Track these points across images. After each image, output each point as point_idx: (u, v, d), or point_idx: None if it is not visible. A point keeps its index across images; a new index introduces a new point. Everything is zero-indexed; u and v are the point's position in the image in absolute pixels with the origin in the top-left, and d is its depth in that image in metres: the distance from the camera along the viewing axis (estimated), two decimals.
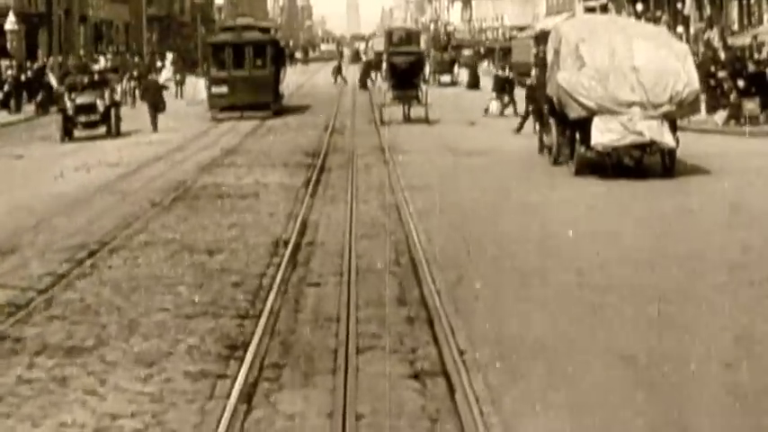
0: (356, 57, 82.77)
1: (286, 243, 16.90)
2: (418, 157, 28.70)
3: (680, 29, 59.68)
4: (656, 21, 63.52)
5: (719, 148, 27.55)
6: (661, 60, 22.58)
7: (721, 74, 35.38)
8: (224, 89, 41.44)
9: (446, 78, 60.56)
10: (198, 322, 12.25)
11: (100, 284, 14.30)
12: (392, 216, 19.20)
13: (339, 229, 18.13)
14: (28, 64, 54.32)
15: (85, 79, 37.67)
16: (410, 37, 69.86)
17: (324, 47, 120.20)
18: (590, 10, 73.98)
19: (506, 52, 64.84)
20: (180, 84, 55.75)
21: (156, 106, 38.99)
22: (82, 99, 35.48)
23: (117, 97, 39.84)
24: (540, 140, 27.34)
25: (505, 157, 28.26)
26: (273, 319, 12.25)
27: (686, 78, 22.43)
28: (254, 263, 15.54)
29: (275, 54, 43.38)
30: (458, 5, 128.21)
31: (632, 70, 22.33)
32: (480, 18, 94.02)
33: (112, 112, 36.09)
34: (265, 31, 46.68)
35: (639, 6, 65.11)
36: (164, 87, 42.89)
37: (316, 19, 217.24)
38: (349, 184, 23.85)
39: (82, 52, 70.12)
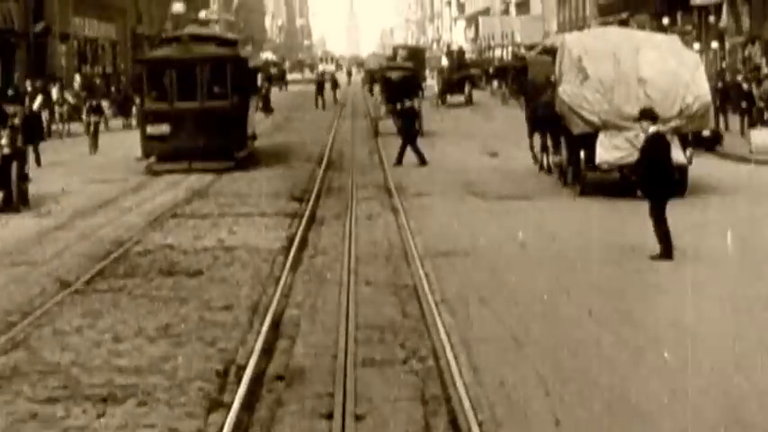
0: (349, 75, 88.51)
1: (239, 378, 9.94)
2: (435, 203, 21.88)
3: (714, 44, 53.05)
4: (684, 35, 57.21)
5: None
6: (670, 71, 21.17)
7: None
8: (164, 129, 28.40)
9: (456, 99, 54.99)
10: None
11: None
12: (411, 313, 12.35)
13: (328, 341, 11.25)
14: None
15: None
16: (416, 54, 69.81)
17: (322, 67, 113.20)
18: (606, 25, 67.52)
19: (520, 71, 57.96)
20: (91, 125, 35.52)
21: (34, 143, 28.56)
22: None
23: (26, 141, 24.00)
24: (541, 159, 26.09)
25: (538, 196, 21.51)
26: None
27: (696, 90, 21.08)
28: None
29: (240, 77, 29.77)
30: (461, 24, 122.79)
31: (639, 82, 21.00)
32: (487, 36, 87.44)
33: (14, 168, 21.56)
34: (226, 43, 31.41)
35: (666, 20, 58.34)
36: (33, 116, 31.00)
37: (315, 39, 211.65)
38: (346, 246, 17.04)
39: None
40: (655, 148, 15.35)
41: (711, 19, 54.27)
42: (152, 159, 28.69)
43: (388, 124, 37.10)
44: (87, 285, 14.19)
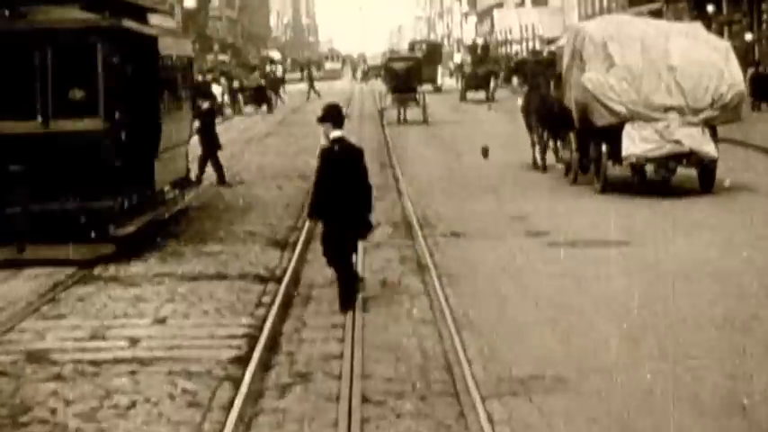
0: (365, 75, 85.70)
1: None
2: (479, 251, 14.38)
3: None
4: (730, 25, 49.69)
5: None
6: (702, 59, 19.56)
7: None
8: None
9: (478, 95, 50.52)
10: None
11: None
12: None
13: None
14: None
15: None
16: (434, 49, 65.69)
17: (329, 65, 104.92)
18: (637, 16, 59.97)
19: (548, 65, 50.71)
20: None
21: None
22: None
23: None
24: (542, 158, 23.64)
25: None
26: None
27: (730, 79, 19.45)
28: None
29: (141, 71, 16.33)
30: (471, 20, 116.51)
31: (669, 70, 19.33)
32: (504, 30, 79.95)
33: None
34: (104, 5, 15.33)
35: (710, 8, 50.66)
36: None
37: (323, 38, 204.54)
38: (345, 368, 9.41)
39: None
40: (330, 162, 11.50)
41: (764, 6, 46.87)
42: None
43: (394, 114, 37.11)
44: None
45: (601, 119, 19.58)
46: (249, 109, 47.51)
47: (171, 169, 18.05)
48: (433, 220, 17.40)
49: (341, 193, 11.25)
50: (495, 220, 17.33)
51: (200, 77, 43.03)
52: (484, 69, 51.80)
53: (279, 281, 12.83)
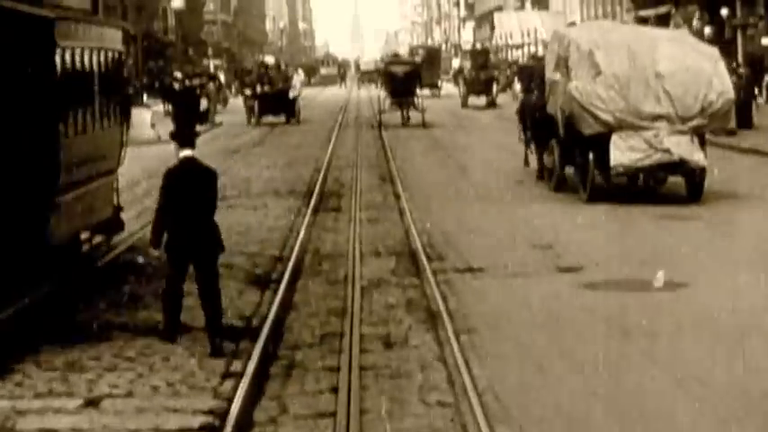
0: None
1: None
2: (500, 293, 11.71)
3: None
4: (745, 29, 47.07)
5: None
6: (690, 66, 18.91)
7: None
8: None
9: (479, 101, 49.08)
10: None
11: None
12: None
13: None
14: None
15: None
16: (433, 55, 65.35)
17: (324, 71, 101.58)
18: (642, 21, 57.60)
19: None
20: None
21: None
22: None
23: None
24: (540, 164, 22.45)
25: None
26: None
27: (719, 86, 18.81)
28: None
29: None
30: (469, 25, 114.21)
31: (657, 77, 18.66)
32: (504, 35, 77.21)
33: None
34: None
35: (724, 12, 48.06)
36: None
37: (319, 43, 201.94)
38: None
39: None
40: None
41: None
42: None
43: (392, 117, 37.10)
44: None
45: (588, 128, 18.94)
46: (270, 118, 40.52)
47: (83, 212, 12.52)
48: (442, 247, 14.77)
49: (186, 222, 9.54)
50: (511, 243, 14.73)
51: (180, 82, 40.30)
52: (486, 74, 50.30)
53: (255, 336, 10.11)
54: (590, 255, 13.87)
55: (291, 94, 40.34)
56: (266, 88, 40.17)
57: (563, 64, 19.90)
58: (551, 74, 20.58)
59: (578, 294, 11.82)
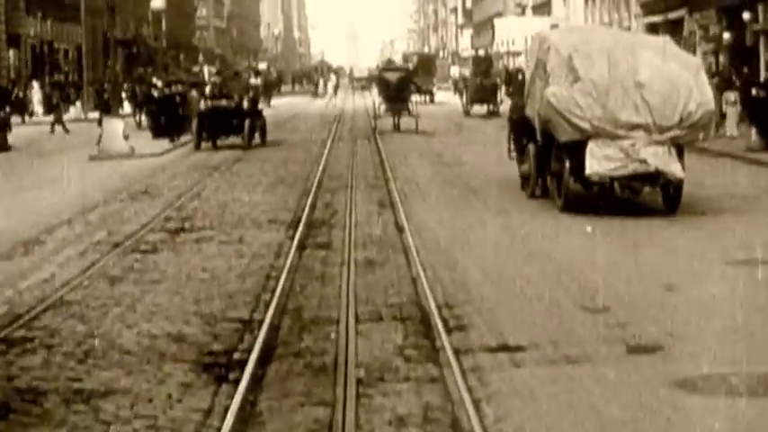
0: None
1: None
2: (543, 388, 8.02)
3: None
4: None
5: None
6: (670, 75, 18.46)
7: None
8: None
9: (481, 109, 47.68)
10: None
11: None
12: None
13: None
14: None
15: None
16: (427, 61, 66.48)
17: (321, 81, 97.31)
18: (652, 28, 54.26)
19: None
20: None
21: None
22: None
23: None
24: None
25: None
26: None
27: (700, 96, 18.40)
28: None
29: None
30: (467, 32, 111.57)
31: (636, 86, 18.29)
32: (506, 41, 73.90)
33: None
34: None
35: (746, 15, 44.47)
36: None
37: (314, 50, 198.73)
38: None
39: None
40: None
41: None
42: None
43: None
44: None
45: (564, 134, 18.60)
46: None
47: None
48: (463, 306, 11.09)
49: None
50: (544, 292, 11.07)
51: (160, 90, 36.88)
52: (489, 82, 48.58)
53: None
54: (659, 319, 10.20)
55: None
56: (218, 102, 31.96)
57: (542, 67, 19.38)
58: (531, 77, 20.15)
59: (676, 403, 8.08)
